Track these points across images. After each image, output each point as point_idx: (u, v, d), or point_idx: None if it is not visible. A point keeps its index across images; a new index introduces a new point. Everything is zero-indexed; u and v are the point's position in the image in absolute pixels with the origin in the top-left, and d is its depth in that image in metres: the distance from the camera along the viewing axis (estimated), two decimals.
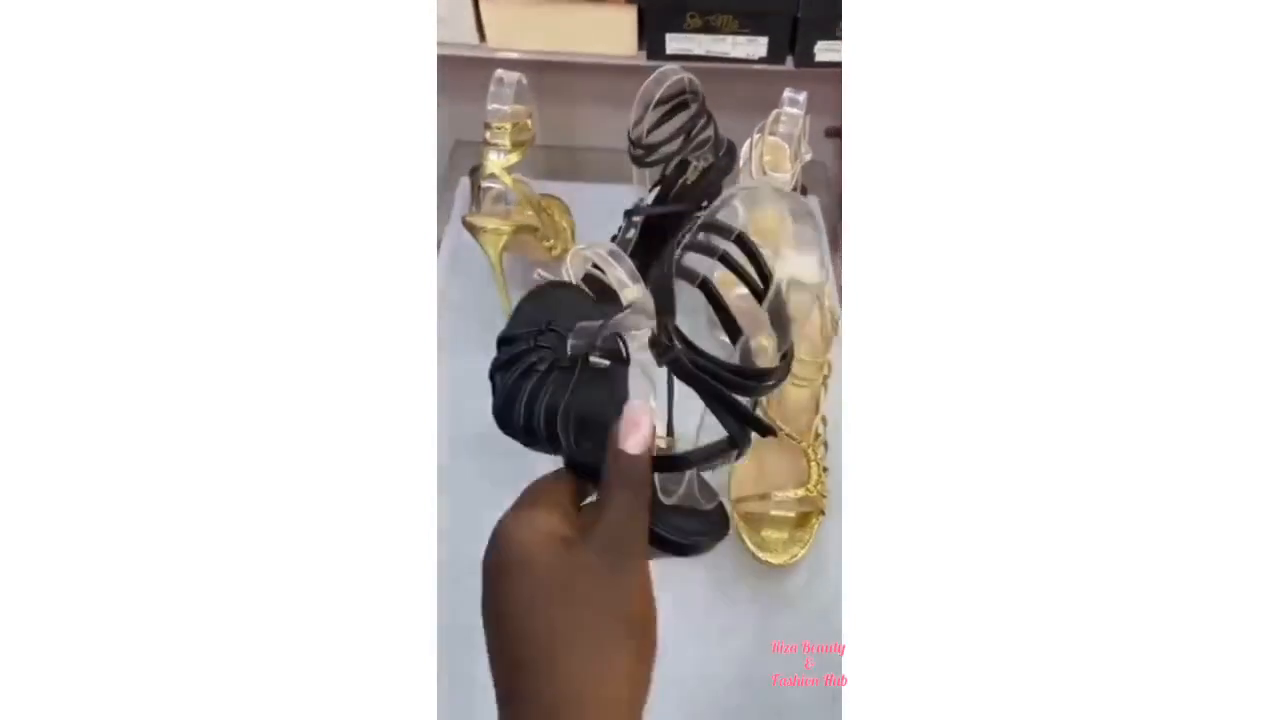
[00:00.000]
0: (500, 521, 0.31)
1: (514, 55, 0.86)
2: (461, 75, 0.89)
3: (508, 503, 0.33)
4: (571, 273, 0.54)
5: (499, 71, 0.68)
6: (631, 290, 0.55)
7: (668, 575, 0.61)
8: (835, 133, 1.12)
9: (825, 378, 0.62)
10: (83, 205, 0.29)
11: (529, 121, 0.69)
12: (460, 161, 0.94)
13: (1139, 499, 0.29)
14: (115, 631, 0.28)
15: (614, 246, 0.55)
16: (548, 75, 0.93)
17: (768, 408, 0.62)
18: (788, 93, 0.71)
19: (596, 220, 0.87)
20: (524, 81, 0.69)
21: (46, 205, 0.29)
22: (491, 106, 0.67)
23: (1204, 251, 0.30)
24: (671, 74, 0.69)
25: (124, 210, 0.29)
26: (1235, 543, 0.28)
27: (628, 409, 0.31)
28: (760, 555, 0.60)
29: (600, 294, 0.54)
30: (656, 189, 0.79)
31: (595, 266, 0.56)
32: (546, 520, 0.30)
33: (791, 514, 0.62)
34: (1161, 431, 0.29)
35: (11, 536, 0.28)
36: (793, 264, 0.40)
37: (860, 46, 0.33)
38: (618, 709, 0.26)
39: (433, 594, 0.31)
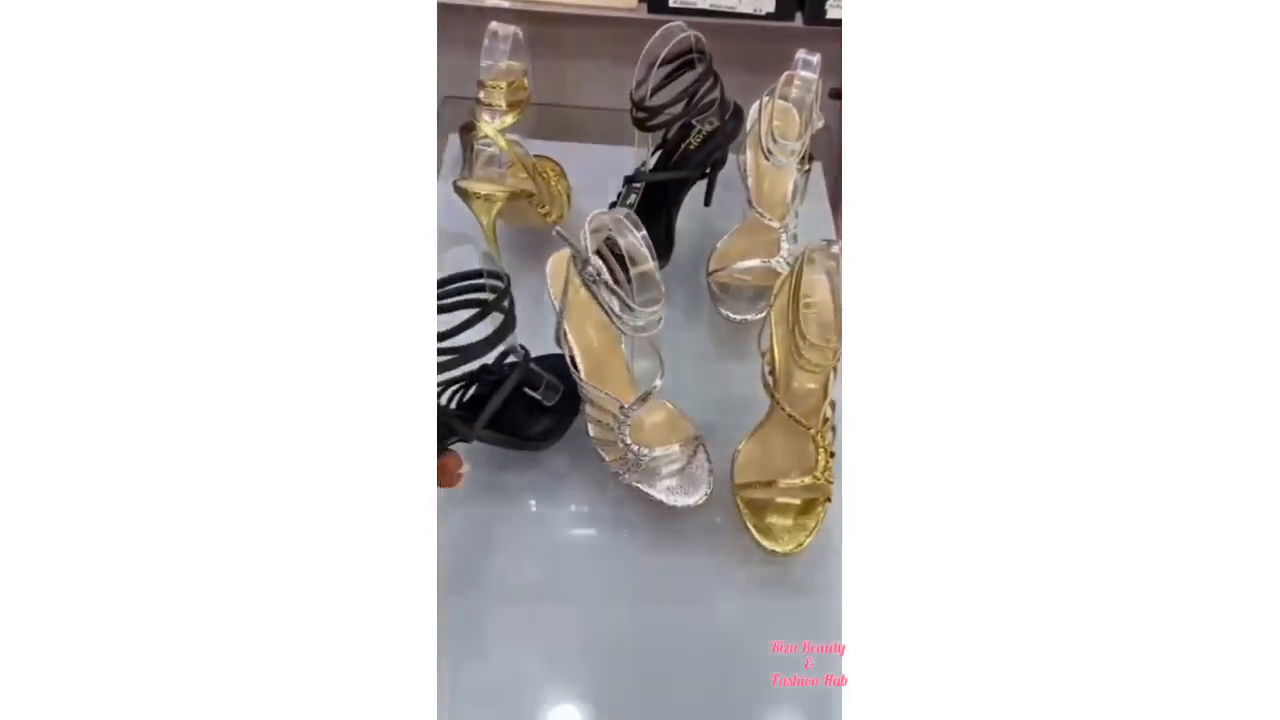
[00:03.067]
0: None
1: (505, 4, 0.80)
2: (450, 26, 0.83)
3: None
4: (589, 237, 0.51)
5: (493, 25, 0.63)
6: (646, 264, 0.52)
7: (668, 562, 0.60)
8: (840, 94, 1.08)
9: (836, 361, 0.60)
10: (77, 178, 0.28)
11: (525, 80, 0.65)
12: (449, 117, 0.89)
13: (1139, 489, 0.29)
14: (114, 631, 0.28)
15: (632, 213, 0.52)
16: (541, 27, 0.88)
17: (775, 391, 0.59)
18: (801, 54, 0.67)
19: (593, 183, 0.83)
20: (520, 36, 0.64)
21: (32, 189, 0.28)
22: (485, 63, 0.63)
23: (1202, 240, 0.29)
24: (678, 31, 0.65)
25: (112, 180, 0.29)
26: (1234, 538, 0.28)
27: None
28: (764, 543, 0.58)
29: (616, 262, 0.52)
30: (658, 153, 0.75)
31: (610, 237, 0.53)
32: None
33: (797, 500, 0.60)
34: (1158, 420, 0.29)
35: (12, 536, 0.27)
36: None
37: (861, 15, 0.32)
38: None
39: (432, 594, 0.31)
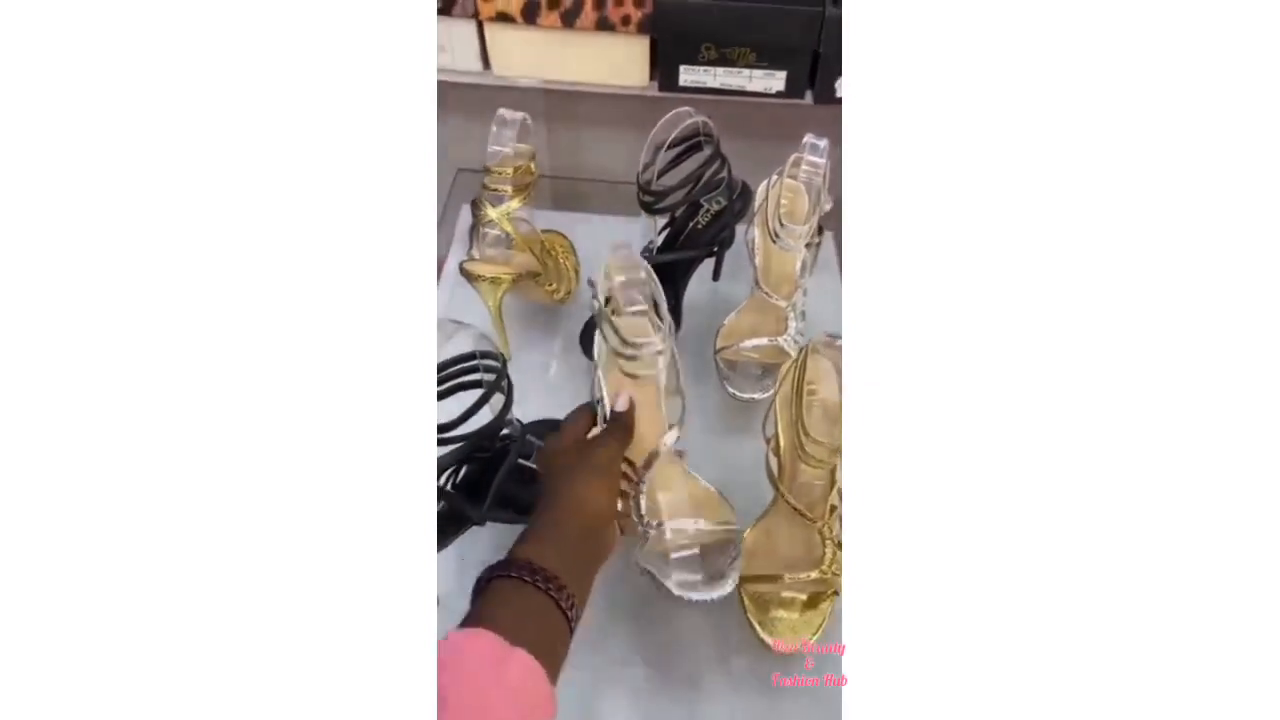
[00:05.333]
0: (546, 437, 0.54)
1: (522, 83, 0.81)
2: (464, 101, 0.85)
3: None
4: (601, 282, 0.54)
5: (501, 111, 0.64)
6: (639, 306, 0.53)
7: (671, 652, 0.58)
8: None
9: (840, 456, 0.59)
10: (88, 228, 0.29)
11: (532, 165, 0.65)
12: (462, 191, 0.90)
13: (1141, 519, 0.29)
14: (115, 632, 0.28)
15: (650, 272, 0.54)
16: (557, 100, 0.89)
17: (780, 482, 0.58)
18: (809, 138, 0.67)
19: (602, 256, 0.84)
20: (529, 121, 0.65)
21: (58, 250, 0.29)
22: (492, 148, 0.63)
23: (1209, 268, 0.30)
24: (685, 117, 0.65)
25: (127, 241, 0.29)
26: (1235, 543, 0.29)
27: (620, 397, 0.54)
28: (768, 640, 0.57)
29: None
30: (666, 230, 0.75)
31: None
32: (571, 434, 0.53)
33: (803, 595, 0.58)
34: (1164, 480, 0.29)
35: (12, 537, 0.28)
36: None
37: (861, 81, 0.33)
38: (599, 504, 0.48)
39: (433, 602, 0.31)
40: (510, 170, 0.63)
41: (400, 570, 0.30)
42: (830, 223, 0.90)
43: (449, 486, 0.57)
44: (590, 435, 0.53)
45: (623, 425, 0.52)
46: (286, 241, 0.31)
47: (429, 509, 0.32)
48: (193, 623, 0.29)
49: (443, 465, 0.53)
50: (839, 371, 0.57)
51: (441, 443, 0.51)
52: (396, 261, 0.32)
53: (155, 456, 0.29)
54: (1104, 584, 0.29)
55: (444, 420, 0.51)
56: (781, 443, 0.59)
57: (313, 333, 0.31)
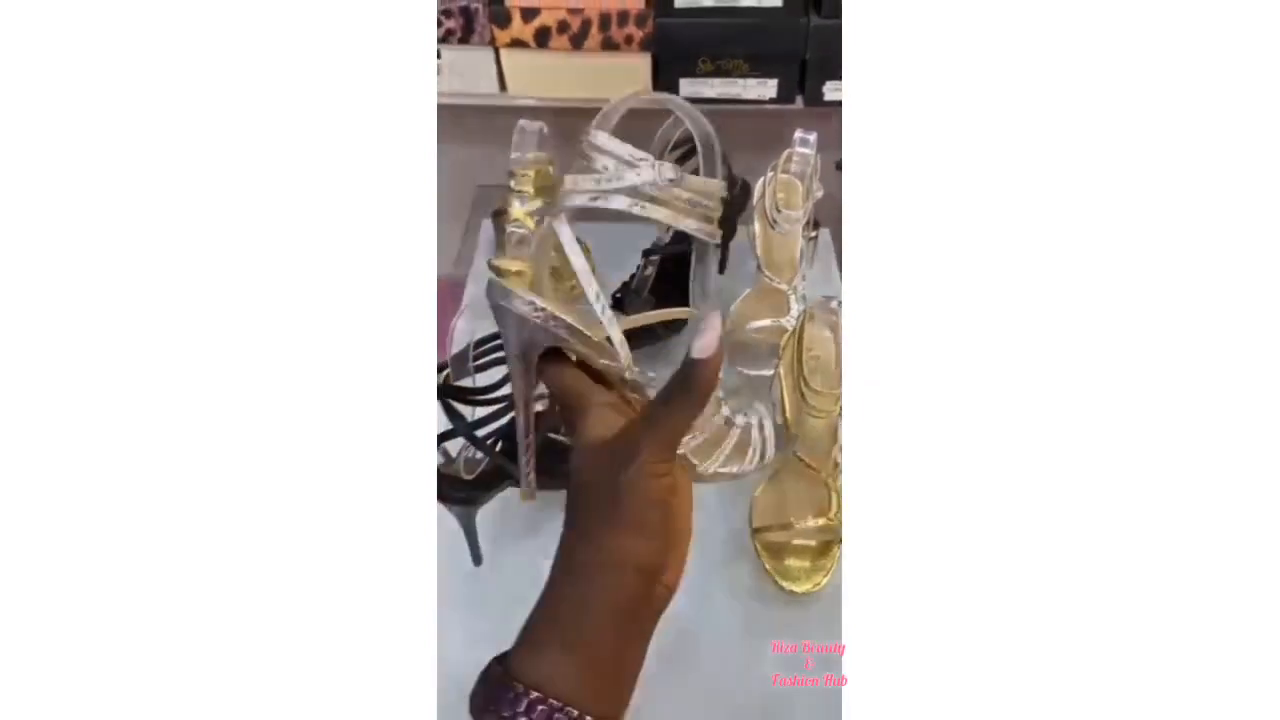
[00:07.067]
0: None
1: (534, 103, 0.89)
2: (484, 123, 0.93)
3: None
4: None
5: (521, 121, 0.70)
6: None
7: (688, 602, 0.63)
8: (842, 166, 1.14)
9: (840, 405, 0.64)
10: (93, 271, 0.30)
11: (550, 168, 0.72)
12: (483, 205, 0.98)
13: (1141, 508, 0.29)
14: (117, 638, 0.29)
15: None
16: (566, 119, 0.97)
17: (787, 442, 0.63)
18: (799, 133, 0.73)
19: (615, 258, 0.91)
20: (545, 130, 0.72)
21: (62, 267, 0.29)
22: (514, 155, 0.70)
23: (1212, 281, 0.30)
24: (682, 121, 0.72)
25: (126, 270, 0.30)
26: (1235, 544, 0.29)
27: (707, 317, 0.34)
28: (783, 584, 0.62)
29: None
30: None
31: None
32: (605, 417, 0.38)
33: (813, 542, 0.63)
34: (1168, 452, 0.29)
35: (12, 540, 0.28)
36: None
37: (860, 83, 0.34)
38: (641, 554, 0.35)
39: (432, 621, 0.32)
40: (531, 173, 0.69)
41: (400, 570, 0.31)
42: (826, 219, 0.96)
43: (497, 447, 0.63)
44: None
45: (693, 387, 0.34)
46: (293, 245, 0.32)
47: (429, 508, 0.33)
48: (181, 611, 0.29)
49: (483, 423, 0.59)
50: (835, 332, 0.63)
51: (485, 404, 0.57)
52: (399, 264, 0.33)
53: (147, 453, 0.30)
54: (1108, 590, 0.29)
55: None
56: (787, 403, 0.64)
57: (316, 335, 0.32)
